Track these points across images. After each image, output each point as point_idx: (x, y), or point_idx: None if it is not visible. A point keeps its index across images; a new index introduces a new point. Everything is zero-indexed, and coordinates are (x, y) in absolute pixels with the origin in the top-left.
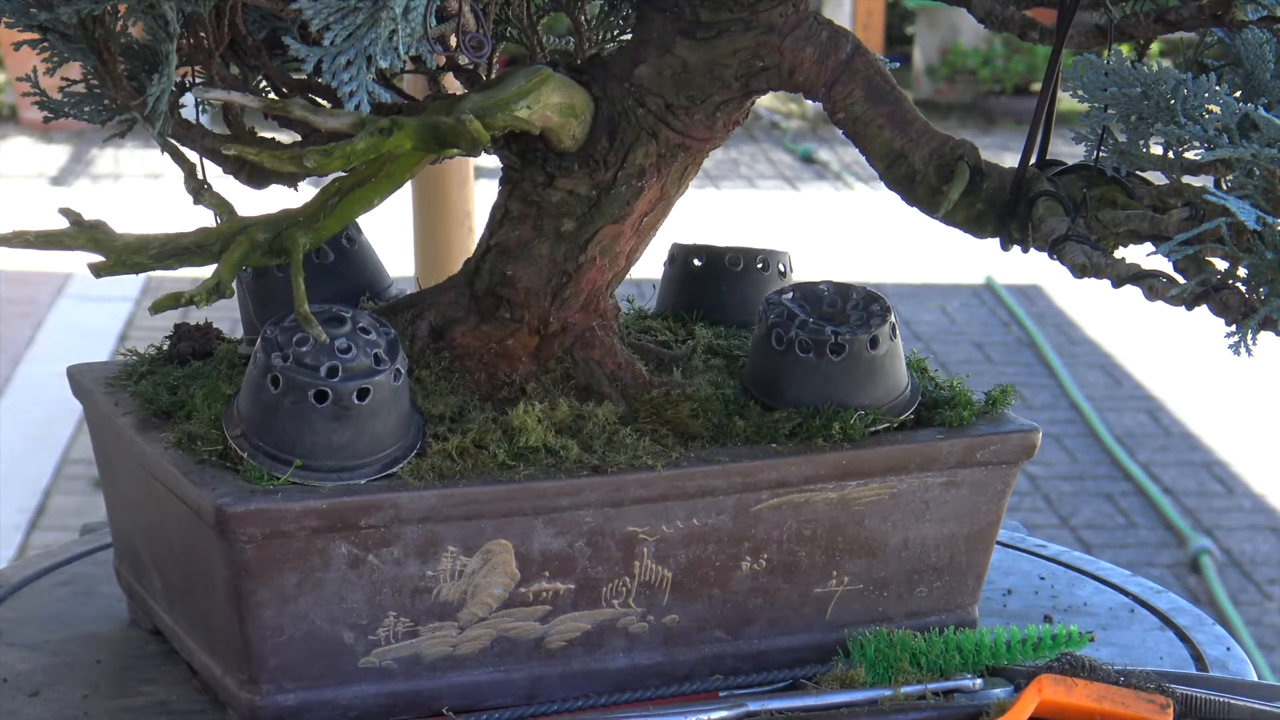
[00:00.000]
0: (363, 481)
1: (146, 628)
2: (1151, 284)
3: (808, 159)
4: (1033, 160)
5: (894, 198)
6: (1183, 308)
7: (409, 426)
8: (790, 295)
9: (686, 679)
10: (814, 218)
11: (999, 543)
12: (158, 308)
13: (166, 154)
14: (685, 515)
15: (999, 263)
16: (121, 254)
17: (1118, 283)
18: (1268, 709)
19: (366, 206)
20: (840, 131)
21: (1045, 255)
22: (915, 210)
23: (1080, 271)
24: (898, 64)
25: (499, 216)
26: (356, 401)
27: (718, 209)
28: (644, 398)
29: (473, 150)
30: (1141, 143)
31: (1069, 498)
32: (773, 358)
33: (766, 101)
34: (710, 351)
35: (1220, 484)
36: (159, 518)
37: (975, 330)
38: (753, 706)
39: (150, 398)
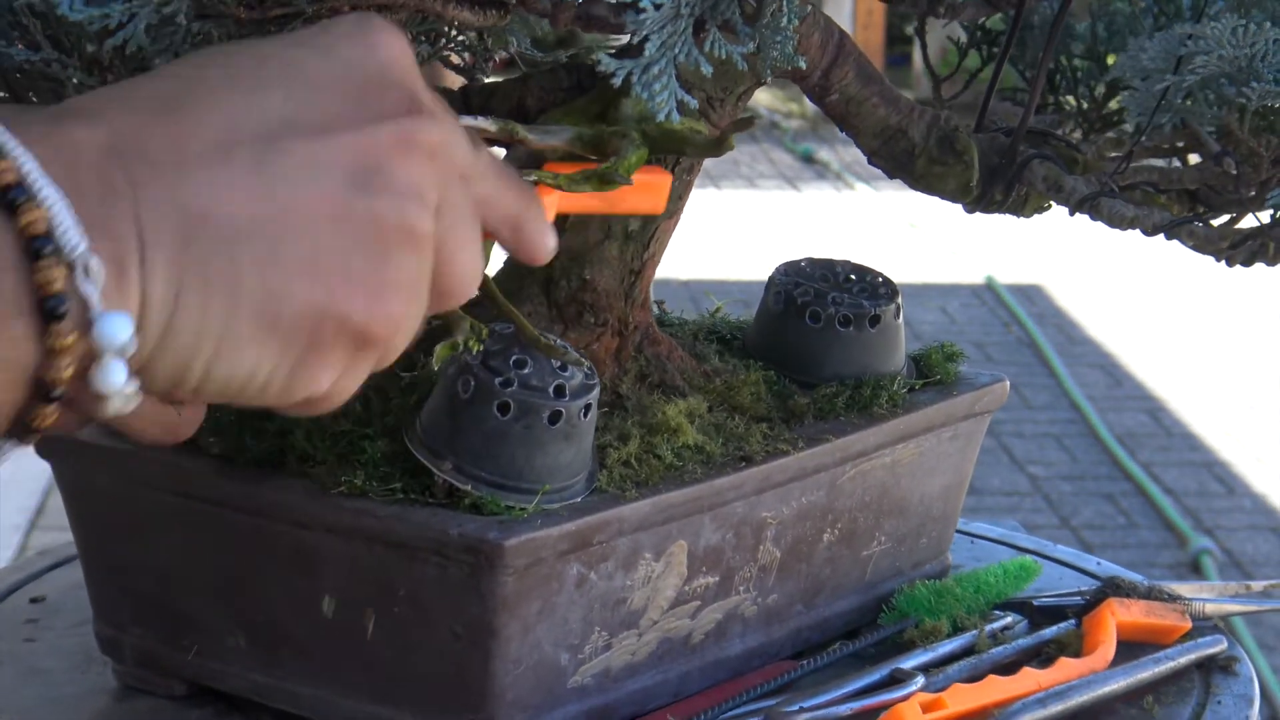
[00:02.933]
0: (579, 500)
1: (175, 694)
2: (1190, 230)
3: (808, 159)
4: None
5: (893, 198)
6: (1224, 259)
7: (594, 441)
8: (798, 273)
9: (777, 656)
10: (814, 218)
11: None
12: (439, 359)
13: None
14: (799, 494)
15: (999, 263)
16: None
17: (1152, 232)
18: (1242, 605)
19: None
20: (832, 119)
21: (1013, 215)
22: (909, 193)
23: (1125, 225)
24: None
25: (557, 222)
26: (582, 419)
27: (718, 209)
28: (710, 387)
29: (711, 152)
30: (1230, 104)
31: (1069, 498)
32: (809, 335)
33: (766, 101)
34: (703, 338)
35: (1221, 484)
36: (282, 570)
37: (975, 330)
38: (904, 664)
39: (235, 448)
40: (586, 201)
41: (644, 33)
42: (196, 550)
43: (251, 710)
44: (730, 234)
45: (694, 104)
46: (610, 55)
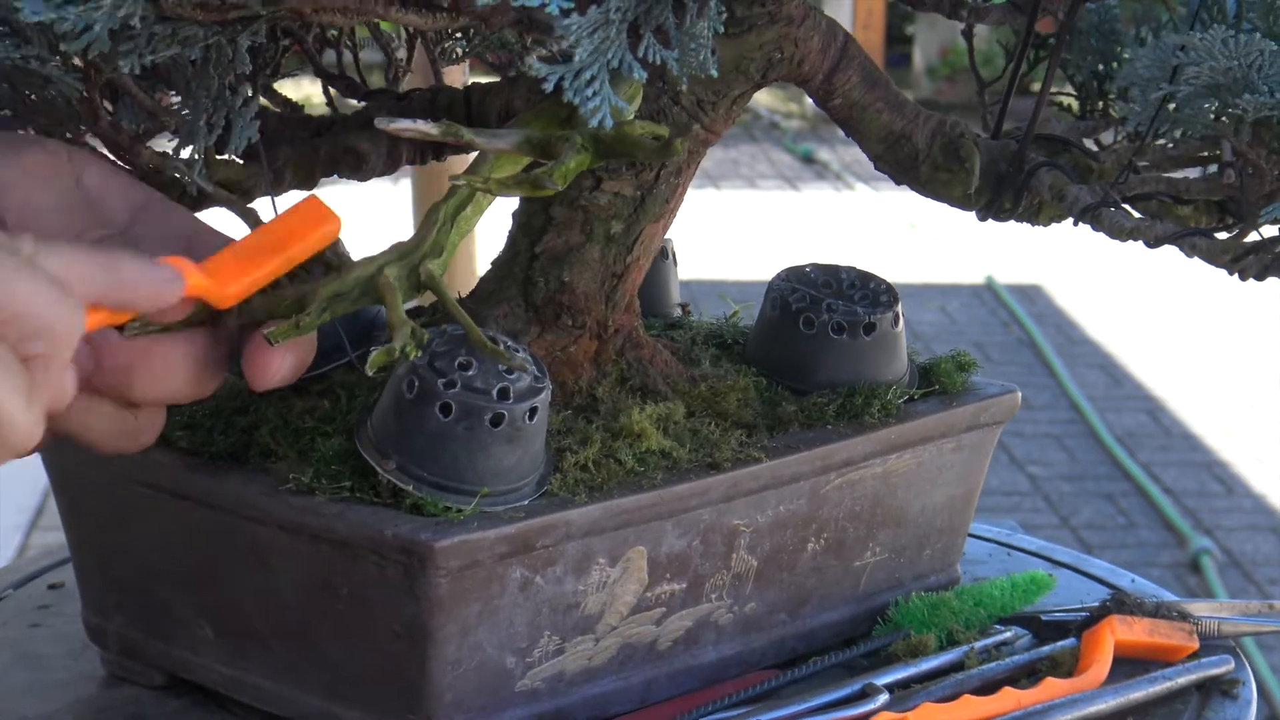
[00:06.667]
0: (526, 503)
1: (154, 684)
2: (1193, 243)
3: (808, 159)
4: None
5: (893, 198)
6: (1236, 273)
7: (548, 444)
8: (798, 280)
9: (757, 665)
10: (814, 218)
11: None
12: (374, 365)
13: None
14: (775, 503)
15: (999, 263)
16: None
17: (1154, 244)
18: (1257, 625)
19: (469, 229)
20: (836, 123)
21: (1028, 223)
22: (909, 193)
23: (1125, 235)
24: None
25: (539, 224)
26: (527, 422)
27: (718, 209)
28: (694, 392)
29: (660, 157)
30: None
31: (1069, 498)
32: (803, 342)
33: (766, 101)
34: (702, 341)
35: (1220, 484)
36: (242, 564)
37: (975, 330)
38: (877, 680)
39: (203, 442)
40: (252, 272)
41: (574, 38)
42: (166, 542)
43: (226, 702)
44: (730, 234)
45: (626, 109)
46: (543, 61)
